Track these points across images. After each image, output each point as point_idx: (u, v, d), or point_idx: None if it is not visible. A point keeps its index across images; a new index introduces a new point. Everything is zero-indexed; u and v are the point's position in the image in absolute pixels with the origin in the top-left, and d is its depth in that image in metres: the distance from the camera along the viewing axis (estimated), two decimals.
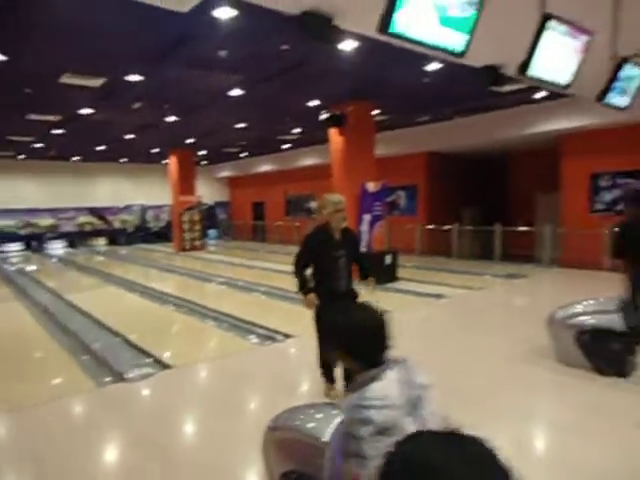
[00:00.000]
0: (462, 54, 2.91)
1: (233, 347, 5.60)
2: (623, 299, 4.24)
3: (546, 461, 3.05)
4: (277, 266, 11.76)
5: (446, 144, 12.41)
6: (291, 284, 9.28)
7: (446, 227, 12.76)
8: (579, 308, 4.36)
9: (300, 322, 6.58)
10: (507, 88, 8.76)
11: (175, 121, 10.80)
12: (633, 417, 3.35)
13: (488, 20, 5.03)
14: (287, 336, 5.87)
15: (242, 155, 18.36)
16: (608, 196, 10.12)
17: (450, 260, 12.18)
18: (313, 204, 17.94)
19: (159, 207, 20.75)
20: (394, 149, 13.24)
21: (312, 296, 3.66)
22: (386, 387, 1.42)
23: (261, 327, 6.24)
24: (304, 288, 3.71)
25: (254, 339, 5.86)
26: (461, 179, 14.15)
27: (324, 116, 8.95)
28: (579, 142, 10.26)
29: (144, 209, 20.72)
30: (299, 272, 3.73)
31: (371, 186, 9.24)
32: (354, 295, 3.81)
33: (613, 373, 3.97)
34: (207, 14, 4.99)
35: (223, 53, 6.11)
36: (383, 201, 9.67)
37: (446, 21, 2.64)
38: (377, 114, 10.19)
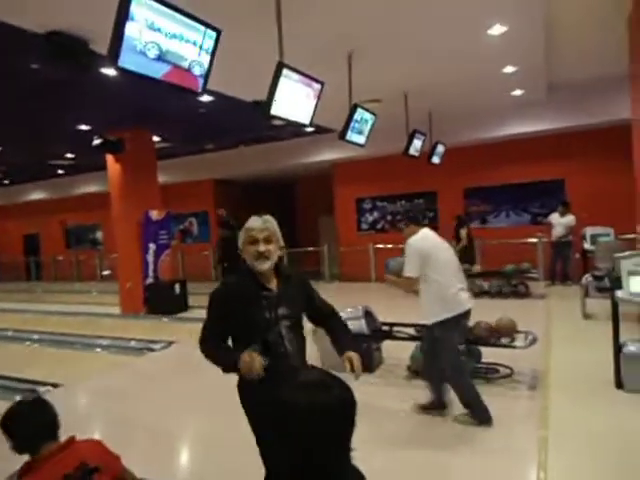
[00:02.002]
0: (202, 93, 3.10)
1: None
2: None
3: None
4: (55, 307, 10.41)
5: (232, 172, 12.89)
6: (71, 325, 8.37)
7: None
8: None
9: (73, 368, 5.97)
10: (280, 122, 9.60)
11: None
12: (383, 404, 3.97)
13: (246, 60, 5.49)
14: (55, 386, 5.24)
15: (5, 182, 15.83)
16: (370, 218, 11.84)
17: None
18: (99, 235, 16.49)
19: None
20: (182, 176, 13.15)
21: (253, 355, 1.89)
22: None
23: (25, 381, 5.44)
24: (230, 355, 2.01)
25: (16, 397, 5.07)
26: (251, 204, 14.62)
27: (97, 142, 8.39)
28: (346, 171, 11.80)
29: None
30: (212, 349, 2.11)
31: (155, 214, 8.98)
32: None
33: (363, 369, 4.61)
34: None
35: None
36: (169, 229, 9.48)
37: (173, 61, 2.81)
38: (158, 141, 10.01)
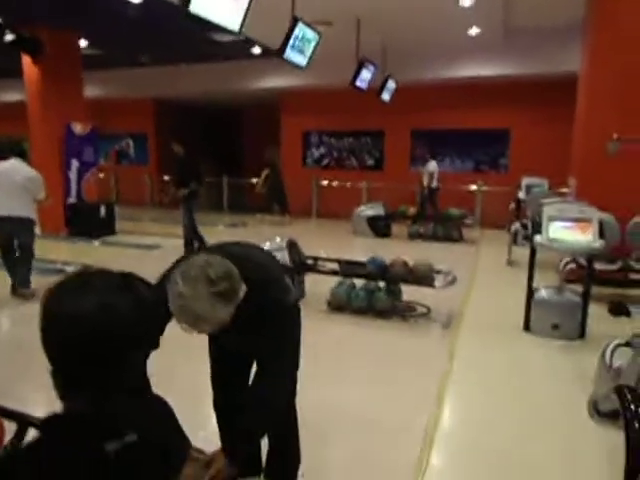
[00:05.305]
0: None
1: None
2: None
3: None
4: None
5: (173, 91, 11.91)
6: None
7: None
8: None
9: None
10: (225, 38, 8.83)
11: None
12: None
13: None
14: None
15: None
16: (316, 153, 11.49)
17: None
18: (27, 145, 15.15)
19: None
20: (118, 91, 12.07)
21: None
22: None
23: None
24: None
25: None
26: (196, 131, 13.94)
27: (10, 37, 7.36)
28: (294, 101, 11.21)
29: None
30: None
31: (78, 128, 8.19)
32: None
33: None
34: None
35: None
36: (95, 146, 8.73)
37: None
38: (87, 47, 8.98)
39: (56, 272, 6.00)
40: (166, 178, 11.82)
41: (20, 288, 4.99)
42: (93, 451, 0.76)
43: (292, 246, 4.69)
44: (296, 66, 5.53)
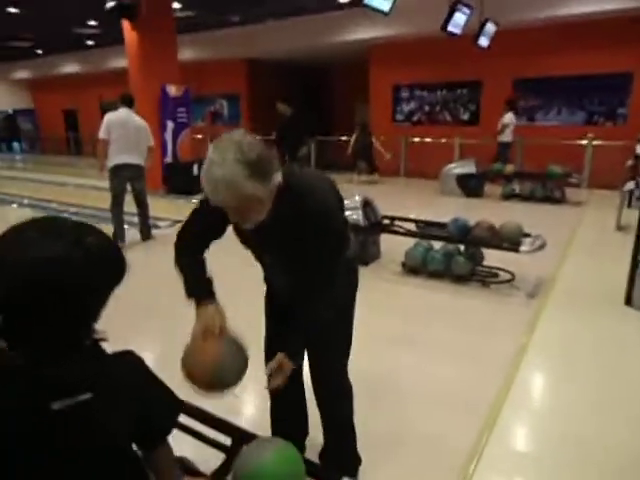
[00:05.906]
0: None
1: None
2: None
3: None
4: (94, 182, 10.61)
5: (263, 49, 11.91)
6: (97, 199, 8.49)
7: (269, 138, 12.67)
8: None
9: None
10: None
11: None
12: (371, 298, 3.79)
13: None
14: None
15: (38, 52, 15.52)
16: (407, 108, 10.92)
17: None
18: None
19: None
20: (209, 53, 12.36)
21: (210, 310, 1.46)
22: None
23: None
24: (192, 288, 1.54)
25: None
26: (285, 89, 13.93)
27: (110, 4, 7.77)
28: (383, 52, 10.66)
29: None
30: (181, 256, 1.59)
31: (173, 90, 8.54)
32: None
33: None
34: None
35: None
36: (188, 107, 9.07)
37: None
38: (179, 9, 9.22)
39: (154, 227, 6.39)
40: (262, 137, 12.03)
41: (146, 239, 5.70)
42: (37, 407, 0.75)
43: (367, 205, 4.53)
44: (379, 11, 5.18)
